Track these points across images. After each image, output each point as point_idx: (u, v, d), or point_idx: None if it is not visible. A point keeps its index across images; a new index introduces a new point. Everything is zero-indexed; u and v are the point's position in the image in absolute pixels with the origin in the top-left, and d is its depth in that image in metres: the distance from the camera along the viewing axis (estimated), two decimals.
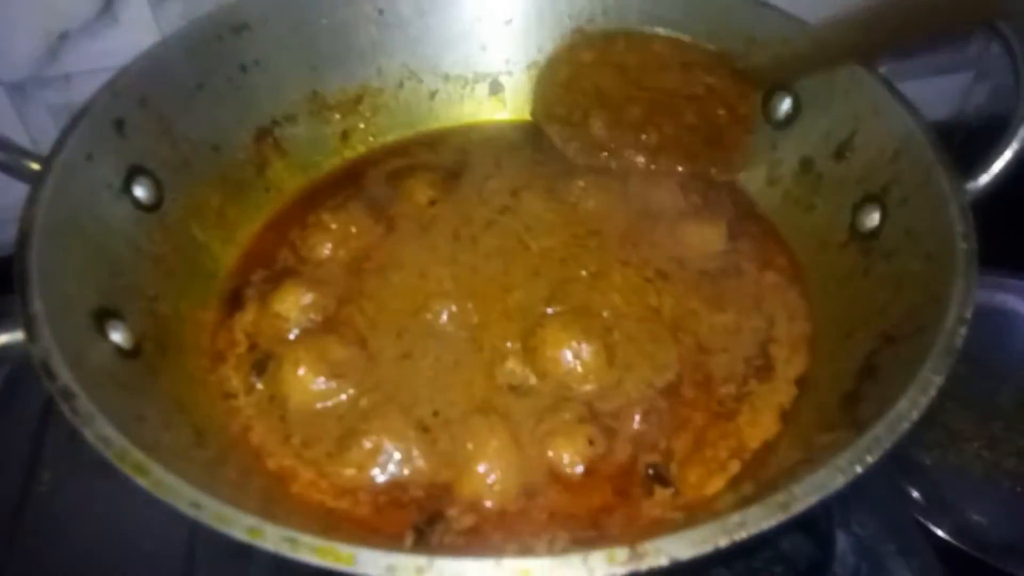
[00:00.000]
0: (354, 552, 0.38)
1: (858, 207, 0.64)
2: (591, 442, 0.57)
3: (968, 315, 0.48)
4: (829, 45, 0.66)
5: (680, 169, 0.76)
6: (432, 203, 0.75)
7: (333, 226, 0.72)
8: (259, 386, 0.62)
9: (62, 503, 0.73)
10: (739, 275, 0.69)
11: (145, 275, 0.62)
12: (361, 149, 0.83)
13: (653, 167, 0.77)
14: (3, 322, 0.48)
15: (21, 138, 0.83)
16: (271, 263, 0.72)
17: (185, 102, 0.70)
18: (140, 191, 0.64)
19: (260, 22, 0.74)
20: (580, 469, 0.56)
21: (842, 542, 0.64)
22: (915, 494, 0.77)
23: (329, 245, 0.71)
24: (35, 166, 0.59)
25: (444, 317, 0.65)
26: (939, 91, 1.07)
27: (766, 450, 0.57)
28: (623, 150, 0.77)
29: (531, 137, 0.84)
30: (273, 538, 0.39)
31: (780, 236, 0.72)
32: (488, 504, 0.54)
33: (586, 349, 0.61)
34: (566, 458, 0.56)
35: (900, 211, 0.60)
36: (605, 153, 0.78)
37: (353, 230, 0.72)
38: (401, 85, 0.83)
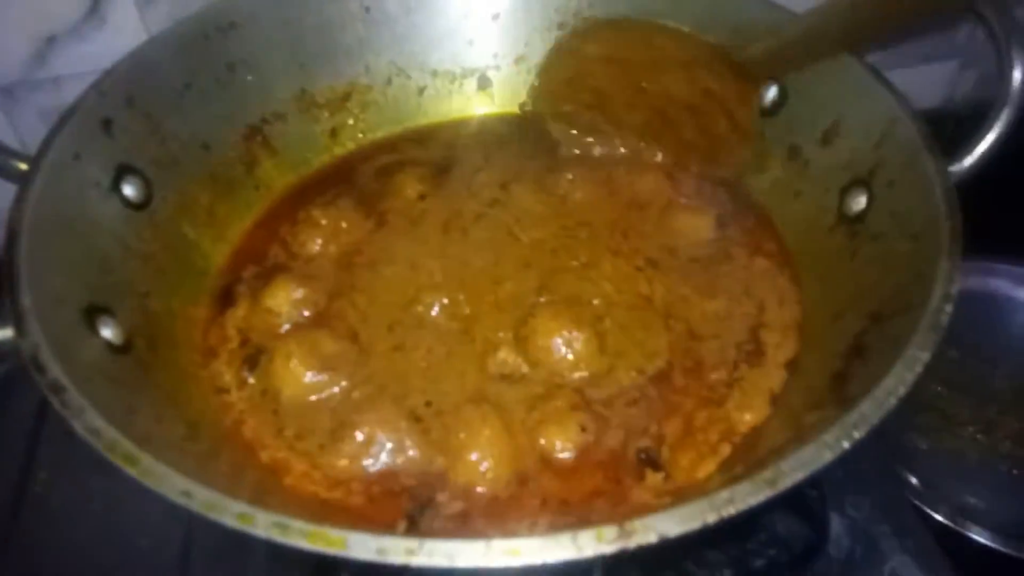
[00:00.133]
0: (345, 536, 0.38)
1: (845, 191, 0.64)
2: (583, 429, 0.57)
3: (953, 292, 0.48)
4: (820, 33, 0.66)
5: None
6: (422, 197, 0.75)
7: (323, 221, 0.72)
8: (251, 380, 0.62)
9: (58, 502, 0.73)
10: (729, 262, 0.69)
11: (135, 272, 0.63)
12: (351, 146, 0.83)
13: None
14: None
15: (10, 142, 0.82)
16: (262, 260, 0.72)
17: (173, 101, 0.70)
18: (129, 190, 0.64)
19: (247, 21, 0.74)
20: (572, 456, 0.56)
21: (836, 524, 0.64)
22: (912, 479, 0.77)
23: (319, 240, 0.71)
24: (23, 166, 0.59)
25: (435, 309, 0.65)
26: (927, 79, 1.07)
27: (756, 433, 0.57)
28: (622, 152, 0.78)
29: (519, 130, 0.84)
30: (264, 524, 0.39)
31: (769, 222, 0.72)
32: (481, 491, 0.54)
33: (577, 337, 0.61)
34: (558, 445, 0.56)
35: (886, 194, 0.60)
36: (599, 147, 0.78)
37: (343, 225, 0.72)
38: (389, 82, 0.83)
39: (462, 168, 0.78)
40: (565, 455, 0.56)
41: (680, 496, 0.53)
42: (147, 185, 0.66)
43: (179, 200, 0.69)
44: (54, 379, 0.45)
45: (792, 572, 0.62)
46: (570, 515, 0.53)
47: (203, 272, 0.70)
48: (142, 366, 0.57)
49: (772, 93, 0.73)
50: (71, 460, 0.74)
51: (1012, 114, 0.61)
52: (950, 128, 0.70)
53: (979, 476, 0.81)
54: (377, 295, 0.67)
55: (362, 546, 0.38)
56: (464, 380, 0.61)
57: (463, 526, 0.52)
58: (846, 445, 0.41)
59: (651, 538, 0.37)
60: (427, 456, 0.56)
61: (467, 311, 0.65)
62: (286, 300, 0.66)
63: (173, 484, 0.41)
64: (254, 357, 0.63)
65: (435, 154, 0.81)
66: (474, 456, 0.55)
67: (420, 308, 0.65)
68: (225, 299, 0.68)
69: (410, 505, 0.54)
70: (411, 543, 0.37)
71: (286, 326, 0.65)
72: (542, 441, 0.57)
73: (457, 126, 0.85)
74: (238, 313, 0.67)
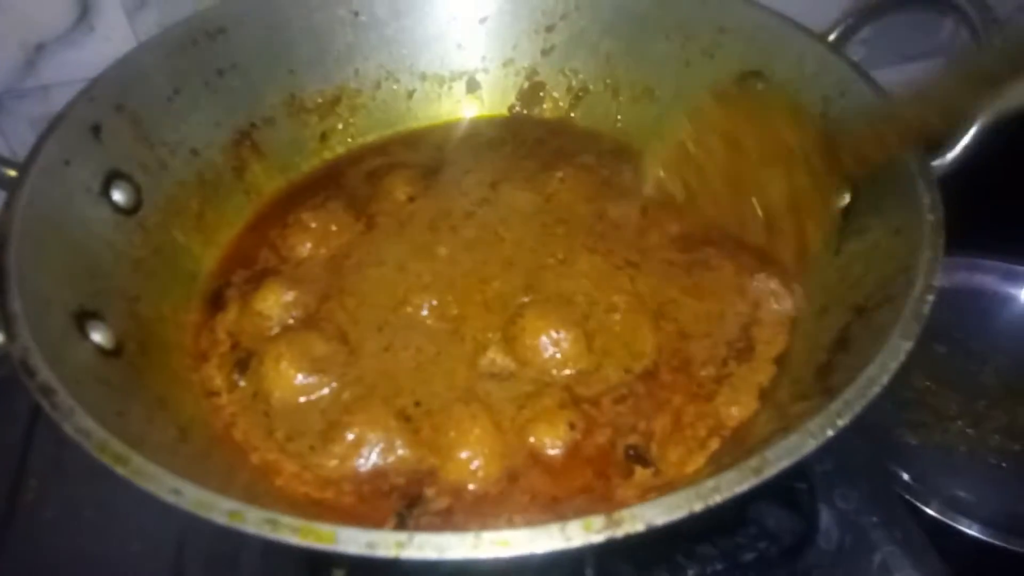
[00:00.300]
0: (335, 531, 0.38)
1: None
2: (572, 426, 0.58)
3: (935, 283, 0.49)
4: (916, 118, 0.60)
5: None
6: (411, 200, 0.76)
7: (313, 225, 0.72)
8: (242, 383, 0.62)
9: (50, 510, 0.73)
10: (720, 266, 0.69)
11: (126, 277, 0.63)
12: (340, 150, 0.84)
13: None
14: None
15: (1, 151, 0.84)
16: (252, 264, 0.72)
17: (162, 107, 0.70)
18: (119, 195, 0.65)
19: (236, 26, 0.74)
20: (561, 453, 0.57)
21: (825, 516, 0.65)
22: (902, 474, 0.78)
23: (309, 244, 0.72)
24: (12, 173, 0.59)
25: (424, 310, 0.65)
26: (911, 78, 1.08)
27: (745, 427, 0.57)
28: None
29: (509, 133, 0.85)
30: (254, 521, 0.39)
31: None
32: (471, 488, 0.55)
33: (564, 336, 0.61)
34: (547, 442, 0.57)
35: (870, 189, 0.61)
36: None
37: (333, 228, 0.72)
38: (378, 86, 0.84)
39: (452, 170, 0.79)
40: (554, 452, 0.57)
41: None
42: (137, 190, 0.66)
43: (169, 205, 0.70)
44: (44, 381, 0.45)
45: (782, 564, 0.62)
46: (560, 512, 0.53)
47: (193, 277, 0.70)
48: (133, 370, 0.57)
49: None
50: (62, 468, 0.75)
51: (993, 109, 0.62)
52: None
53: (968, 470, 0.81)
54: (366, 296, 0.67)
55: (352, 540, 0.38)
56: (453, 379, 0.61)
57: (453, 523, 0.52)
58: (830, 433, 0.41)
59: (638, 527, 0.37)
60: (417, 455, 0.57)
61: (455, 311, 0.65)
62: (276, 303, 0.66)
63: (163, 483, 0.41)
64: (245, 360, 0.63)
65: (424, 157, 0.82)
66: (464, 454, 0.55)
67: (409, 309, 0.66)
68: (215, 303, 0.69)
69: (400, 504, 0.54)
70: (401, 536, 0.38)
71: (276, 329, 0.65)
72: (531, 439, 0.57)
73: (446, 129, 0.86)
74: (228, 317, 0.67)
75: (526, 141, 0.83)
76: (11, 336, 0.48)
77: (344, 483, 0.56)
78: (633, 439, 0.58)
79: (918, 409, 0.87)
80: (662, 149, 0.68)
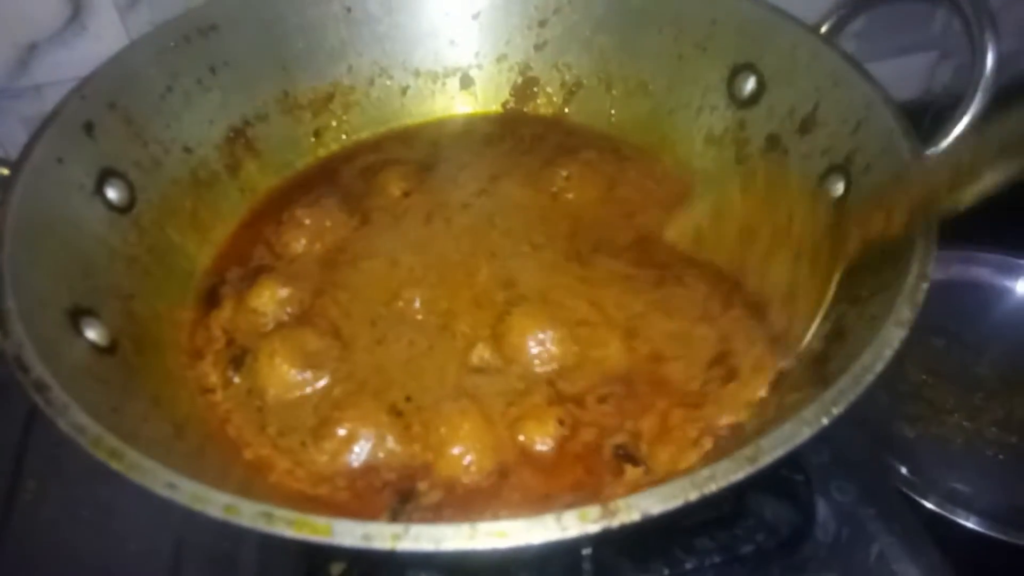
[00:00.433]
0: (330, 523, 0.38)
1: (823, 178, 0.65)
2: (561, 423, 0.57)
3: (929, 271, 0.49)
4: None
5: None
6: (406, 195, 0.76)
7: (307, 221, 0.72)
8: (236, 380, 0.62)
9: (47, 511, 0.73)
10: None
11: (120, 275, 0.63)
12: (334, 147, 0.83)
13: None
14: None
15: None
16: (246, 261, 0.72)
17: (155, 104, 0.70)
18: (112, 193, 0.65)
19: (228, 23, 0.74)
20: (551, 450, 0.57)
21: (823, 509, 0.65)
22: (900, 467, 0.78)
23: (303, 240, 0.71)
24: (5, 171, 0.59)
25: (416, 304, 0.65)
26: (905, 71, 1.09)
27: (739, 427, 0.57)
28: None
29: (506, 129, 0.85)
30: (249, 514, 0.39)
31: None
32: (463, 483, 0.55)
33: (551, 336, 0.61)
34: (537, 440, 0.57)
35: (864, 178, 0.61)
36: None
37: (327, 224, 0.72)
38: (372, 82, 0.84)
39: (448, 165, 0.79)
40: (544, 449, 0.57)
41: None
42: (130, 188, 0.66)
43: (163, 203, 0.70)
44: (38, 378, 0.45)
45: (780, 556, 0.62)
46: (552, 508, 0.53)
47: (188, 275, 0.70)
48: (128, 367, 0.57)
49: (751, 84, 0.73)
50: (60, 469, 0.75)
51: (986, 98, 0.62)
52: (928, 119, 0.71)
53: (966, 462, 0.81)
54: (359, 291, 0.67)
55: (347, 533, 0.38)
56: (444, 375, 0.61)
57: (445, 518, 0.52)
58: (825, 421, 0.41)
59: (634, 516, 0.37)
60: (408, 451, 0.57)
61: (445, 306, 0.65)
62: (271, 300, 0.66)
63: (159, 477, 0.41)
64: (239, 357, 0.63)
65: (419, 153, 0.82)
66: (456, 450, 0.55)
67: (401, 303, 0.66)
68: (210, 301, 0.69)
69: (393, 499, 0.54)
70: (396, 528, 0.38)
71: (271, 326, 0.65)
72: (521, 436, 0.57)
73: (441, 125, 0.86)
74: (223, 314, 0.67)
75: (524, 137, 0.83)
76: (5, 332, 0.48)
77: (337, 479, 0.56)
78: (622, 438, 0.57)
79: (915, 402, 0.87)
80: (680, 221, 0.70)
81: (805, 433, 0.40)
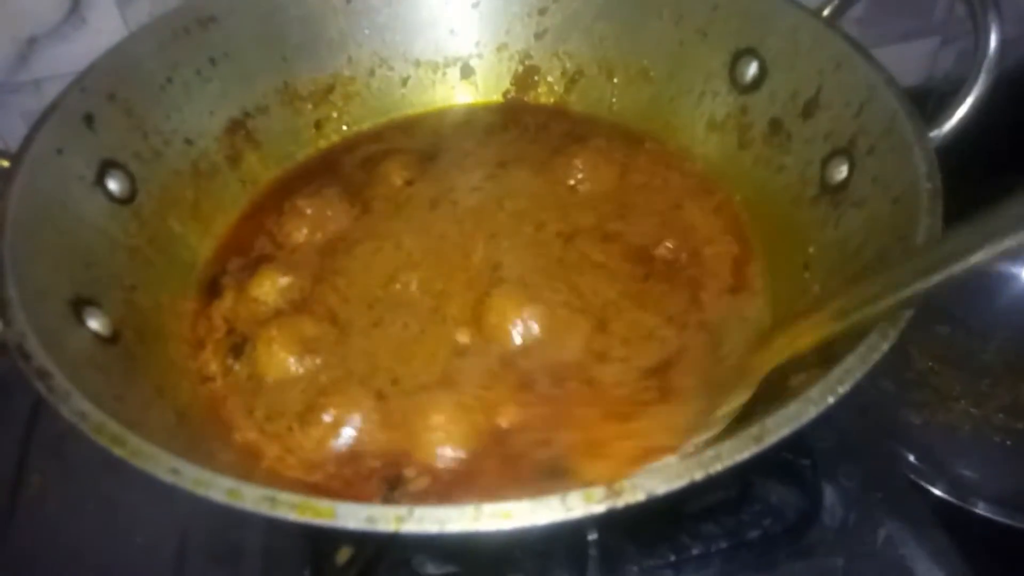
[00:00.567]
0: (333, 506, 0.38)
1: (827, 161, 0.64)
2: (535, 405, 0.57)
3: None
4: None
5: None
6: (409, 184, 0.75)
7: (308, 211, 0.72)
8: (236, 368, 0.62)
9: (51, 506, 0.73)
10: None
11: (122, 266, 0.62)
12: (335, 138, 0.83)
13: None
14: None
15: None
16: (248, 251, 0.72)
17: (155, 96, 0.70)
18: (113, 184, 0.64)
19: (228, 14, 0.74)
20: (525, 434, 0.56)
21: (830, 494, 0.64)
22: (908, 455, 0.78)
23: (305, 230, 0.71)
24: (5, 163, 0.58)
25: (413, 286, 0.65)
26: (907, 58, 1.08)
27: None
28: None
29: (509, 118, 0.84)
30: (252, 498, 0.39)
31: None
32: (443, 468, 0.55)
33: (529, 318, 0.61)
34: (515, 424, 0.56)
35: (867, 161, 0.60)
36: None
37: (328, 214, 0.72)
38: (372, 73, 0.83)
39: (450, 154, 0.78)
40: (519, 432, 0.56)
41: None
42: (131, 180, 0.66)
43: (164, 194, 0.69)
44: (40, 365, 0.45)
45: (787, 541, 0.62)
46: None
47: (190, 266, 0.70)
48: (131, 357, 0.57)
49: (753, 68, 0.72)
50: (64, 463, 0.75)
51: (989, 80, 0.61)
52: (931, 104, 0.71)
53: (973, 449, 0.81)
54: (358, 276, 0.67)
55: (351, 516, 0.38)
56: (433, 358, 0.61)
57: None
58: (831, 400, 0.41)
59: (639, 497, 0.37)
60: (391, 437, 0.56)
61: (441, 287, 0.65)
62: (272, 289, 0.66)
63: (162, 462, 0.41)
64: (239, 345, 0.63)
65: (421, 143, 0.81)
66: (435, 436, 0.55)
67: (398, 286, 0.66)
68: (212, 291, 0.68)
69: (383, 487, 0.54)
70: (400, 511, 0.37)
71: (271, 315, 0.65)
72: (499, 420, 0.57)
73: (442, 115, 0.85)
74: (225, 304, 0.67)
75: (528, 126, 0.83)
76: (7, 321, 0.47)
77: (327, 465, 0.56)
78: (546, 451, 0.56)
79: (921, 389, 0.87)
80: None
81: (811, 412, 0.40)
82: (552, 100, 0.86)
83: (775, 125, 0.71)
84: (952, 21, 1.06)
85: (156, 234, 0.67)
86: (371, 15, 0.81)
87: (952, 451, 0.81)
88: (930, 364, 0.90)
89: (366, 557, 0.60)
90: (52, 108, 0.61)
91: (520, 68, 0.85)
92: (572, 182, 0.75)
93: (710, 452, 0.39)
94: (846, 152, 0.62)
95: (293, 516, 0.38)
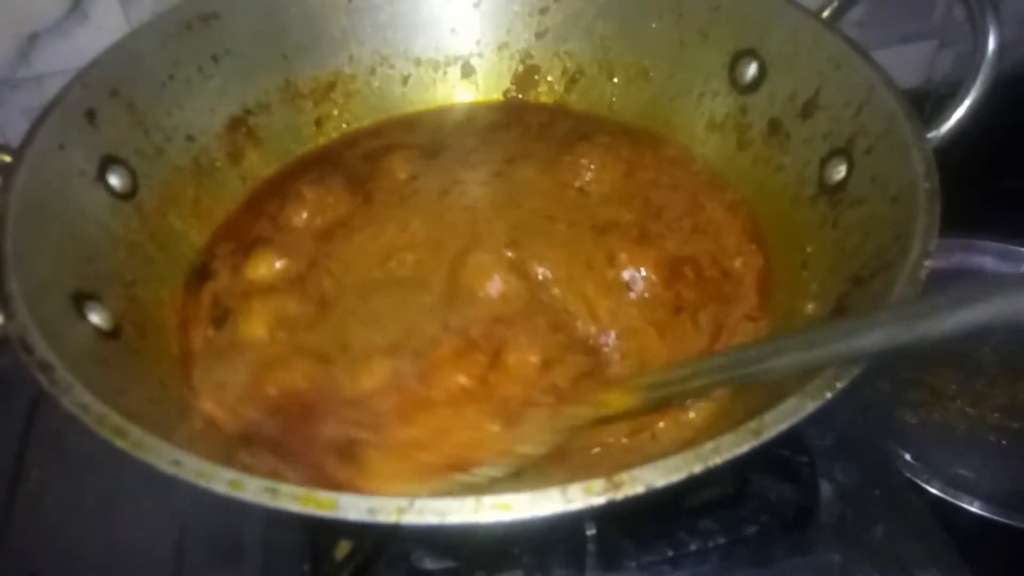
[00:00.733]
0: (334, 497, 0.38)
1: (825, 161, 0.65)
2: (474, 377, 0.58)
3: (931, 249, 0.49)
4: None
5: None
6: (413, 178, 0.75)
7: (310, 196, 0.72)
8: (215, 337, 0.63)
9: (50, 500, 0.73)
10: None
11: (122, 261, 0.63)
12: (335, 136, 0.83)
13: None
14: None
15: None
16: (243, 236, 0.72)
17: (157, 92, 0.70)
18: (115, 180, 0.65)
19: (229, 12, 0.74)
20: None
21: (827, 490, 0.65)
22: (904, 454, 0.78)
23: (305, 214, 0.72)
24: (6, 158, 0.59)
25: (408, 262, 0.66)
26: (905, 60, 1.09)
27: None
28: None
29: (511, 117, 0.84)
30: (254, 489, 0.39)
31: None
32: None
33: (500, 282, 0.62)
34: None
35: (866, 160, 0.61)
36: None
37: (330, 200, 0.72)
38: (373, 71, 0.84)
39: (455, 150, 0.78)
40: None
41: None
42: (132, 176, 0.66)
43: (165, 191, 0.69)
44: (42, 358, 0.45)
45: (784, 538, 0.62)
46: None
47: (190, 262, 0.70)
48: (131, 351, 0.57)
49: (752, 69, 0.73)
50: (63, 458, 0.75)
51: (987, 81, 0.62)
52: (929, 106, 0.71)
53: (969, 448, 0.82)
54: (353, 260, 0.67)
55: (352, 507, 0.38)
56: (405, 332, 0.61)
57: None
58: (828, 395, 0.41)
59: (638, 489, 0.37)
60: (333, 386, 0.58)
61: (433, 265, 0.66)
62: (268, 271, 0.67)
63: (163, 454, 0.41)
64: (222, 317, 0.64)
65: (423, 139, 0.81)
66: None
67: (393, 263, 0.66)
68: (202, 275, 0.69)
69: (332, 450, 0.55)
70: (401, 502, 0.38)
71: (261, 291, 0.66)
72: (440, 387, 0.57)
73: (444, 113, 0.85)
74: (218, 284, 0.67)
75: (531, 125, 0.83)
76: (9, 315, 0.48)
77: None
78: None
79: (917, 389, 0.87)
80: None
81: (809, 407, 0.40)
82: (552, 100, 0.86)
83: (774, 125, 0.71)
84: (950, 24, 1.07)
85: (157, 230, 0.67)
86: (373, 13, 0.81)
87: (948, 450, 0.81)
88: (928, 365, 0.90)
89: (365, 551, 0.60)
90: (54, 103, 0.62)
91: (521, 67, 0.86)
92: (580, 183, 0.75)
93: (709, 445, 0.39)
94: (845, 152, 0.63)
95: (295, 508, 0.38)
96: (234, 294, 0.66)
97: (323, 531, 0.63)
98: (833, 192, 0.63)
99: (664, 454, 0.39)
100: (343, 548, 0.62)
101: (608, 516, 0.47)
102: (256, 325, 0.61)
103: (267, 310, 0.62)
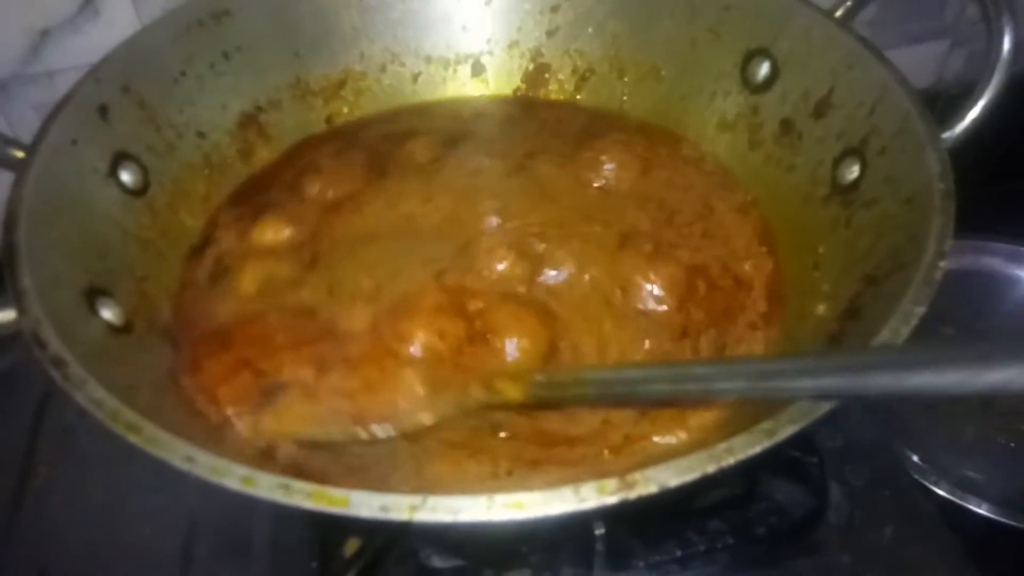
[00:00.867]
0: (347, 494, 0.38)
1: (838, 161, 0.64)
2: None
3: (946, 249, 0.48)
4: None
5: None
6: (435, 160, 0.75)
7: (327, 168, 0.73)
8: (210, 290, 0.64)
9: (58, 496, 0.73)
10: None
11: (134, 257, 0.63)
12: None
13: None
14: None
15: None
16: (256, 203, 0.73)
17: (168, 89, 0.70)
18: (126, 176, 0.65)
19: (241, 8, 0.74)
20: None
21: (836, 492, 0.65)
22: (912, 455, 0.78)
23: (318, 186, 0.72)
24: (19, 154, 0.59)
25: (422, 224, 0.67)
26: (916, 60, 1.08)
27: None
28: None
29: (525, 112, 0.84)
30: (267, 485, 0.39)
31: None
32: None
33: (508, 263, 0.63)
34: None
35: (879, 161, 0.60)
36: None
37: (346, 174, 0.73)
38: (384, 69, 0.84)
39: (475, 140, 0.78)
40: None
41: None
42: (144, 172, 0.66)
43: (176, 188, 0.70)
44: (55, 353, 0.45)
45: (793, 539, 0.62)
46: None
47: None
48: (143, 347, 0.57)
49: (764, 68, 0.73)
50: (71, 455, 0.75)
51: (1002, 81, 0.62)
52: (940, 106, 0.71)
53: (977, 450, 0.82)
54: (357, 227, 0.68)
55: (364, 504, 0.38)
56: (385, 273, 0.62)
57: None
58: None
59: (652, 488, 0.37)
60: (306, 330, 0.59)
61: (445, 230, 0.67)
62: (275, 239, 0.67)
63: (177, 450, 0.41)
64: (220, 274, 0.65)
65: (442, 126, 0.81)
66: None
67: (403, 224, 0.67)
68: (203, 245, 0.70)
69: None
70: (415, 499, 0.38)
71: (262, 253, 0.67)
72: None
73: (458, 107, 0.85)
74: (222, 246, 0.68)
75: (547, 120, 0.82)
76: (22, 310, 0.48)
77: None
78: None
79: None
80: None
81: (823, 408, 0.40)
82: (562, 98, 0.86)
83: (786, 125, 0.71)
84: (962, 24, 1.06)
85: (168, 226, 0.67)
86: (384, 11, 0.81)
87: (956, 452, 0.81)
88: None
89: (374, 549, 0.60)
90: (67, 99, 0.62)
91: (531, 66, 0.86)
92: (600, 181, 0.74)
93: (723, 445, 0.39)
94: (858, 152, 0.63)
95: (308, 504, 0.38)
96: (236, 255, 0.67)
97: (331, 528, 0.63)
98: (846, 192, 0.63)
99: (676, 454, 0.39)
100: (351, 546, 0.62)
101: (617, 515, 0.47)
102: (247, 281, 0.62)
103: (262, 268, 0.63)
